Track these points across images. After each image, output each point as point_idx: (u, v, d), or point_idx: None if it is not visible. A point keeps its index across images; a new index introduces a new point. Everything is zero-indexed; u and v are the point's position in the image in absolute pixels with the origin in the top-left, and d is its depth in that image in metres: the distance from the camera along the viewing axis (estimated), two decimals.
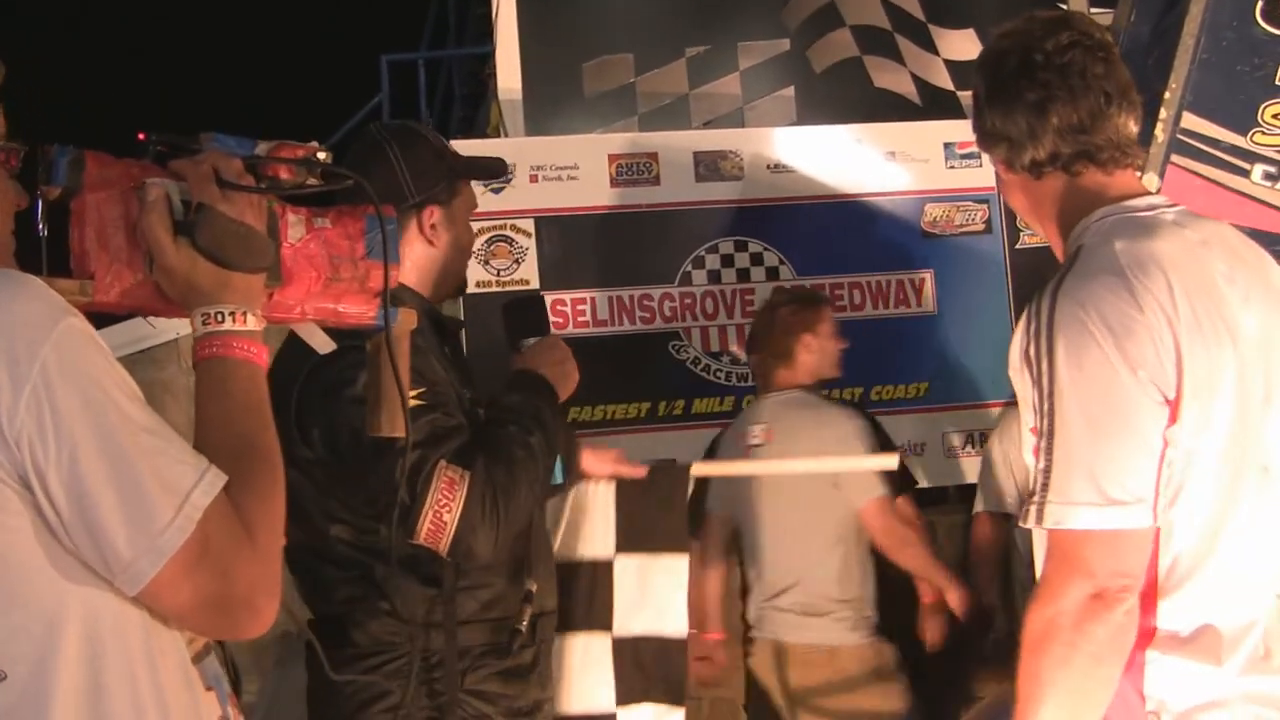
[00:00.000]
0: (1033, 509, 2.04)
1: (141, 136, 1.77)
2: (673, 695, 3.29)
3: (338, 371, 2.50)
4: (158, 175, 1.74)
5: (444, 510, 2.47)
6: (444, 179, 2.83)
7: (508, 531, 2.55)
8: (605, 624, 3.24)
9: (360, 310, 1.94)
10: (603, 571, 3.25)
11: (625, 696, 3.25)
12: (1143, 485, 2.00)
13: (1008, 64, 2.30)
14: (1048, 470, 2.03)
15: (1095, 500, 1.99)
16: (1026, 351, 2.10)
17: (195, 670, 1.73)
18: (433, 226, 2.82)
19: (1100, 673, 2.01)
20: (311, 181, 1.85)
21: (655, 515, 3.31)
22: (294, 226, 1.87)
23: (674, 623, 3.28)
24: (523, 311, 2.97)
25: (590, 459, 3.24)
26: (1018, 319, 2.18)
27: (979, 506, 5.10)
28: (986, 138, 2.35)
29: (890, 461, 3.99)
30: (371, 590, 2.64)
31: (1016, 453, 4.70)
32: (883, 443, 4.63)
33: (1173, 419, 2.02)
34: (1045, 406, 2.05)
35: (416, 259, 2.81)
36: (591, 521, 3.26)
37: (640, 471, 3.29)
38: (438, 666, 2.62)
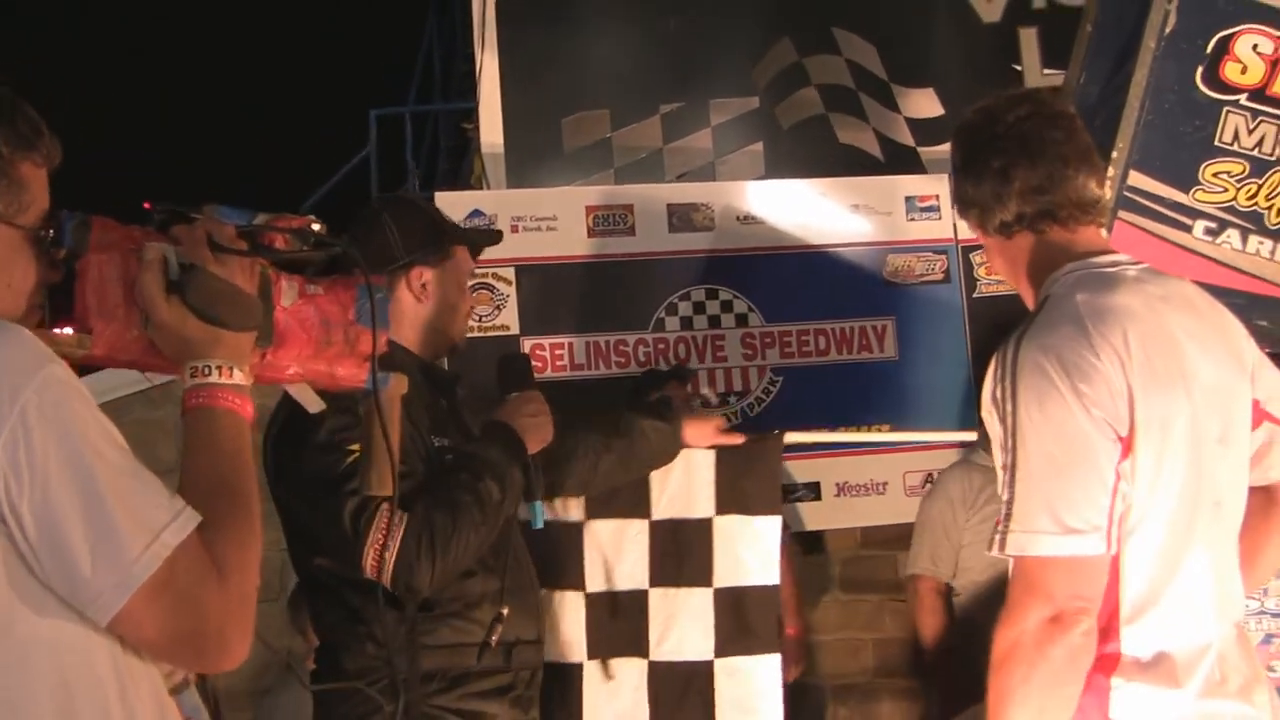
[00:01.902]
0: (997, 537, 2.12)
1: (147, 206, 1.83)
2: (766, 644, 3.50)
3: (308, 421, 2.58)
4: (157, 240, 1.79)
5: (383, 548, 2.58)
6: (434, 243, 2.97)
7: (447, 568, 2.66)
8: (705, 579, 3.47)
9: (351, 373, 2.01)
10: (704, 530, 3.48)
11: (722, 648, 3.45)
12: (1097, 514, 2.08)
13: (976, 137, 2.43)
14: (1010, 502, 2.12)
15: (1054, 529, 2.07)
16: (994, 394, 2.19)
17: (171, 701, 1.76)
18: (423, 286, 2.93)
19: (1060, 691, 2.08)
20: (304, 249, 1.91)
21: (750, 481, 3.52)
22: (287, 292, 1.92)
23: (767, 575, 3.50)
24: (509, 368, 3.07)
25: (692, 430, 3.42)
26: (975, 364, 2.25)
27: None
28: (963, 205, 2.48)
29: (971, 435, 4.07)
30: (351, 617, 2.77)
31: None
32: None
33: (1125, 454, 2.10)
34: (1010, 444, 2.14)
35: (407, 316, 2.91)
36: (694, 485, 3.46)
37: (738, 439, 3.49)
38: (406, 686, 2.70)
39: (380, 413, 2.05)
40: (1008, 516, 2.11)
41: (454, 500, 2.68)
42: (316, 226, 1.92)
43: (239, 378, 1.79)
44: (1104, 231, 3.47)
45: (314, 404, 2.07)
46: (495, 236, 3.31)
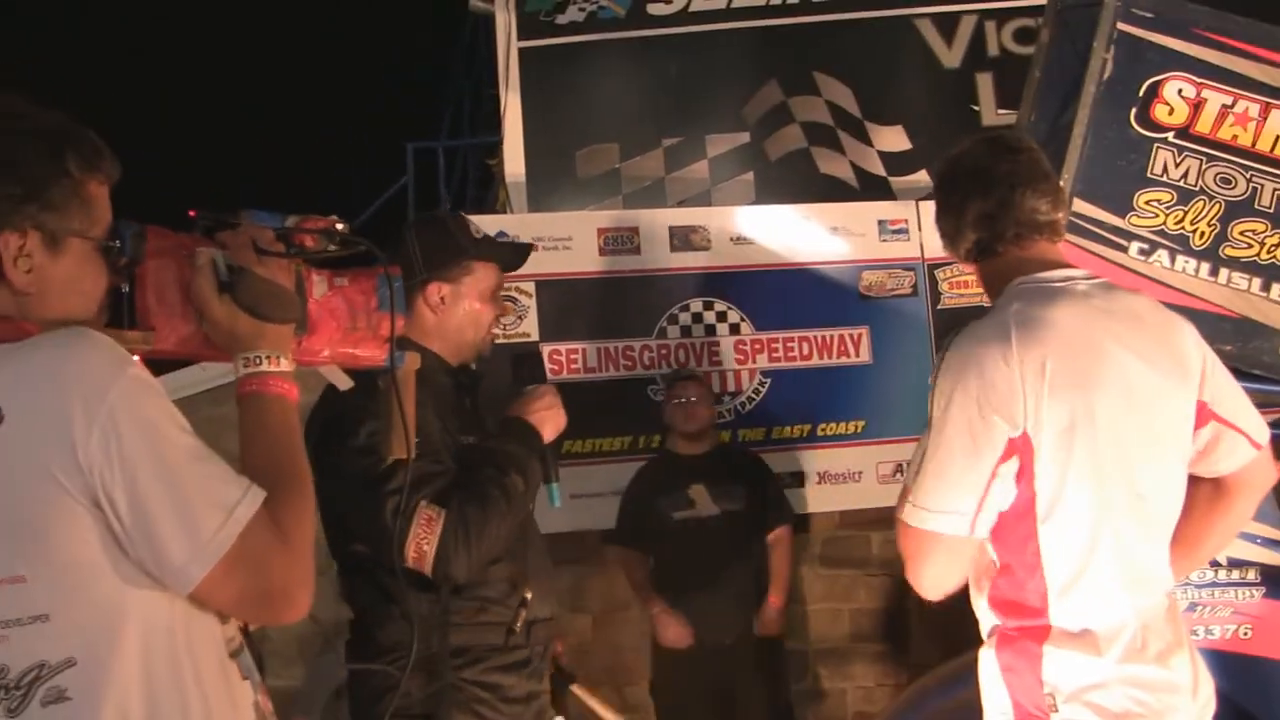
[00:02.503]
0: (899, 504, 2.20)
1: (192, 214, 1.83)
2: None
3: (348, 426, 2.60)
4: (205, 245, 1.81)
5: (423, 541, 2.54)
6: (454, 260, 2.83)
7: (481, 557, 2.61)
8: None
9: (373, 354, 2.00)
10: None
11: None
12: (967, 503, 2.13)
13: (944, 180, 2.44)
14: (914, 476, 2.18)
15: (933, 508, 2.14)
16: (930, 384, 2.22)
17: (233, 663, 1.76)
18: (441, 300, 2.82)
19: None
20: (331, 248, 1.91)
21: None
22: (318, 285, 1.93)
23: None
24: (522, 364, 2.95)
25: None
26: None
27: None
28: (941, 238, 2.46)
29: None
30: (384, 597, 2.68)
31: None
32: None
33: (1008, 455, 2.12)
34: (927, 429, 2.19)
35: (424, 325, 2.81)
36: None
37: None
38: (436, 660, 2.63)
39: (397, 386, 2.05)
40: (909, 489, 2.18)
41: (484, 494, 2.63)
42: (341, 226, 1.92)
43: (284, 365, 1.81)
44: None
45: (344, 382, 2.08)
46: (519, 250, 3.08)
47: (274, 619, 1.73)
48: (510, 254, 3.03)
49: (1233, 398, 2.37)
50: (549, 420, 2.83)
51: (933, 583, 2.21)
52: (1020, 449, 2.13)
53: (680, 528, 5.01)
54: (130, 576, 1.59)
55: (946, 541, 2.16)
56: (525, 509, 2.76)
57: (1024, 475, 2.14)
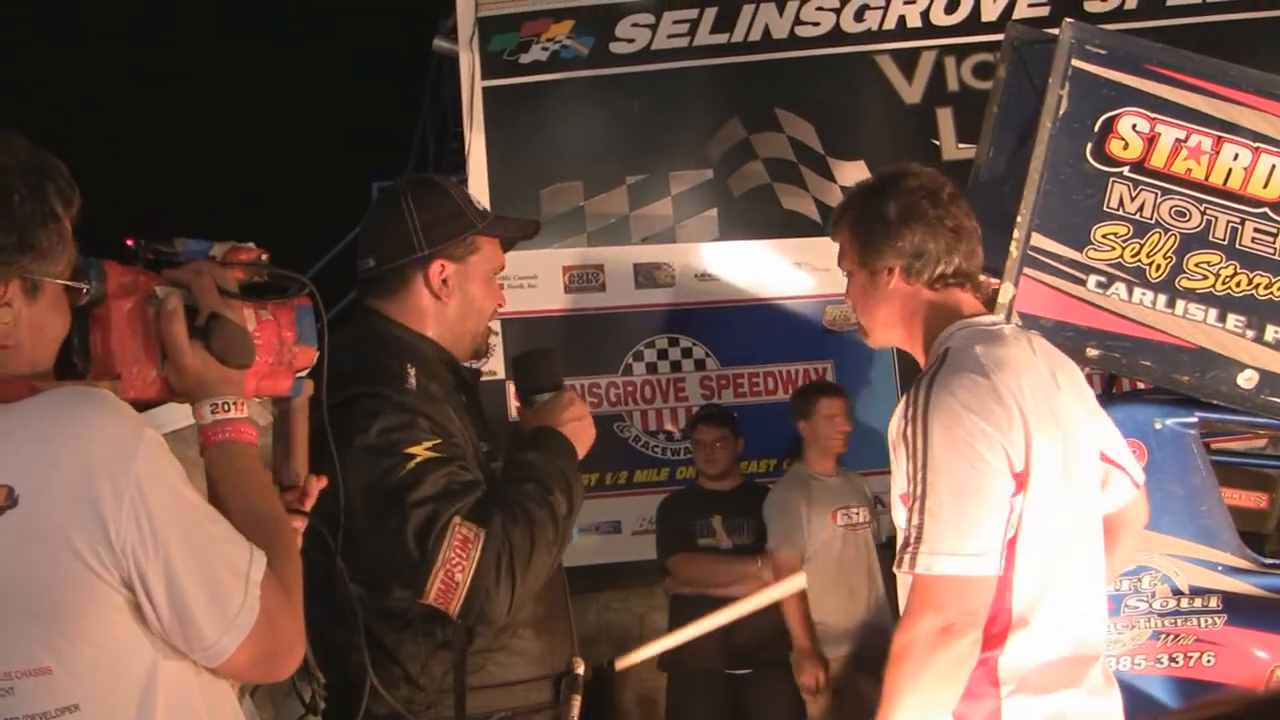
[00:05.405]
0: (906, 557, 2.08)
1: (130, 242, 1.73)
2: None
3: (355, 421, 2.12)
4: (159, 282, 1.71)
5: (456, 570, 2.02)
6: (460, 234, 2.37)
7: (524, 594, 2.10)
8: None
9: (276, 385, 1.89)
10: None
11: None
12: (992, 540, 2.06)
13: (925, 197, 2.35)
14: (920, 526, 2.07)
15: (955, 551, 2.04)
16: (904, 432, 2.14)
17: (240, 710, 1.71)
18: (444, 282, 2.36)
19: (942, 690, 2.06)
20: (257, 279, 1.82)
21: None
22: (249, 320, 1.82)
23: None
24: (535, 365, 2.46)
25: None
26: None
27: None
28: (893, 251, 2.35)
29: (798, 583, 4.14)
30: (384, 656, 2.17)
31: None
32: None
33: (1019, 489, 2.09)
34: (920, 475, 2.10)
35: (421, 311, 2.37)
36: None
37: None
38: None
39: (293, 414, 1.93)
40: (917, 539, 2.06)
41: (530, 515, 2.11)
42: (264, 257, 1.82)
43: (245, 410, 1.73)
44: (1003, 285, 3.58)
45: (264, 417, 1.97)
46: (526, 227, 2.58)
47: (276, 676, 1.67)
48: (517, 230, 2.56)
49: (1117, 437, 2.42)
50: (582, 433, 2.35)
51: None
52: (1020, 485, 2.10)
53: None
54: (158, 650, 1.54)
55: (970, 584, 2.05)
56: (569, 538, 2.24)
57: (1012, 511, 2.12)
